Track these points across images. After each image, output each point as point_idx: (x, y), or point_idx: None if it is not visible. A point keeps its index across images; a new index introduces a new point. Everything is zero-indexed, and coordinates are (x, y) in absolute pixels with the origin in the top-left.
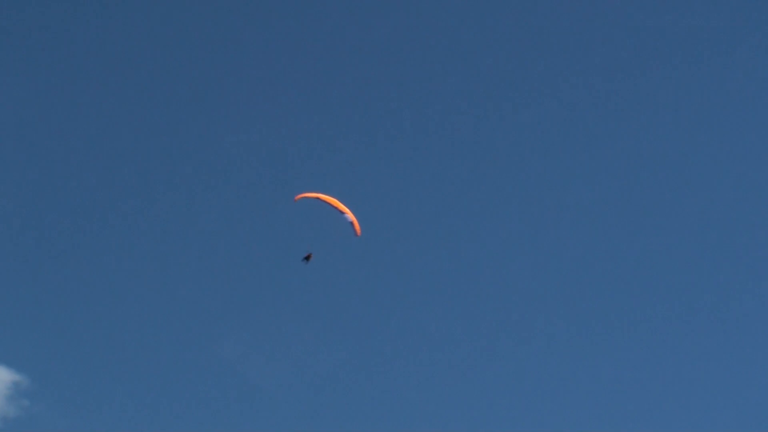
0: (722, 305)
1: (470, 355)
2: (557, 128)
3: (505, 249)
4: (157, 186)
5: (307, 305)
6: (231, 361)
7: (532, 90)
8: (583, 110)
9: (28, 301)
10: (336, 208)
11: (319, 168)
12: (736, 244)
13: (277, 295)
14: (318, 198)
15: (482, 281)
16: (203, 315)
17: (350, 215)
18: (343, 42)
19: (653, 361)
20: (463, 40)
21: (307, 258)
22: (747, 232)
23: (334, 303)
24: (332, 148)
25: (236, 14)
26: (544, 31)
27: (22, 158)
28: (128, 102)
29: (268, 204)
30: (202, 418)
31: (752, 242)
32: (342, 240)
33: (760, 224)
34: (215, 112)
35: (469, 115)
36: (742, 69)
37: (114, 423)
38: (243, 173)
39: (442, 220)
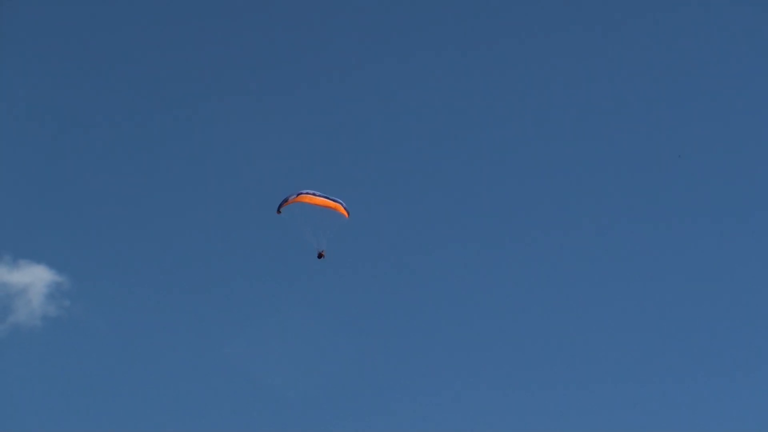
0: (722, 305)
1: (477, 353)
2: (557, 130)
3: (509, 249)
4: (169, 189)
5: (313, 304)
6: (237, 360)
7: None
8: (583, 111)
9: (72, 204)
10: (320, 205)
11: (323, 168)
12: (736, 245)
13: (283, 294)
14: (300, 201)
15: (489, 279)
16: (210, 315)
17: (332, 206)
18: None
19: (653, 361)
20: (463, 41)
21: (321, 255)
22: (747, 232)
23: (340, 302)
24: (336, 148)
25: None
26: (544, 32)
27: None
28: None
29: (274, 203)
30: (208, 418)
31: (752, 243)
32: (347, 239)
33: (760, 224)
34: (223, 114)
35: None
36: (742, 69)
37: (151, 328)
38: (248, 173)
39: (448, 219)
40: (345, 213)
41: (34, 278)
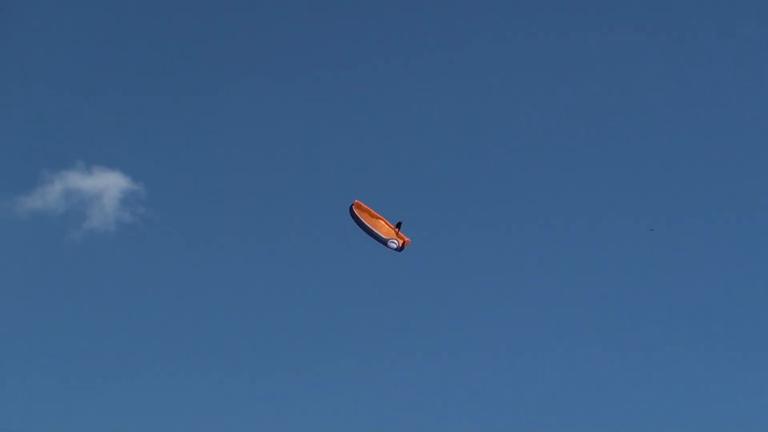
0: (723, 305)
1: (471, 356)
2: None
3: (499, 247)
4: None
5: (306, 306)
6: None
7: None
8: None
9: (150, 114)
10: (378, 231)
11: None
12: (737, 245)
13: (276, 294)
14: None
15: (480, 278)
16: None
17: (395, 238)
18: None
19: (653, 362)
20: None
21: (398, 226)
22: (747, 232)
23: (331, 303)
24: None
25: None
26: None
27: None
28: None
29: (267, 204)
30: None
31: (752, 242)
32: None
33: (760, 224)
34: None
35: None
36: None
37: (224, 240)
38: (252, 170)
39: (441, 219)
40: (400, 242)
41: (109, 183)
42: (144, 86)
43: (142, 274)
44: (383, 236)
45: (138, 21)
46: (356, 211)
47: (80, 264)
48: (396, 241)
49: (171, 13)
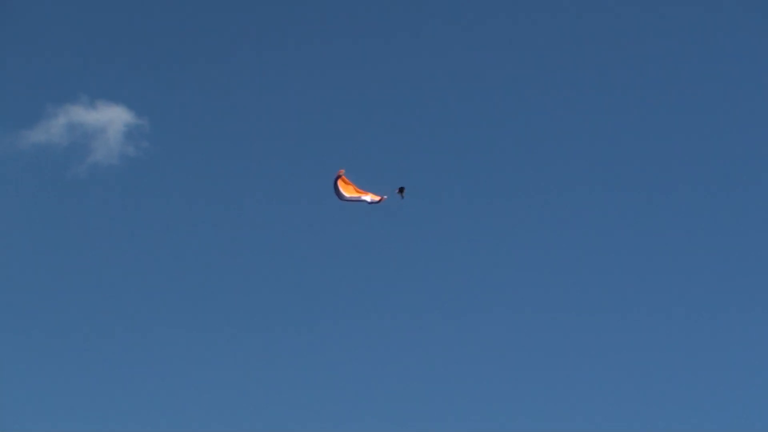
0: (723, 306)
1: (471, 354)
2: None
3: (501, 245)
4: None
5: (305, 302)
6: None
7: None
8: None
9: (154, 49)
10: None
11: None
12: (736, 244)
13: (274, 291)
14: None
15: (480, 278)
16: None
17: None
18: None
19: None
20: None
21: (401, 191)
22: (746, 232)
23: (331, 299)
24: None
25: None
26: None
27: None
28: None
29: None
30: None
31: (752, 242)
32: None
33: (759, 224)
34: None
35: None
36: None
37: (228, 177)
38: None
39: (440, 214)
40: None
41: (113, 117)
42: (149, 20)
43: (146, 208)
44: (357, 196)
45: None
46: (338, 183)
47: (84, 197)
48: (369, 197)
49: None
